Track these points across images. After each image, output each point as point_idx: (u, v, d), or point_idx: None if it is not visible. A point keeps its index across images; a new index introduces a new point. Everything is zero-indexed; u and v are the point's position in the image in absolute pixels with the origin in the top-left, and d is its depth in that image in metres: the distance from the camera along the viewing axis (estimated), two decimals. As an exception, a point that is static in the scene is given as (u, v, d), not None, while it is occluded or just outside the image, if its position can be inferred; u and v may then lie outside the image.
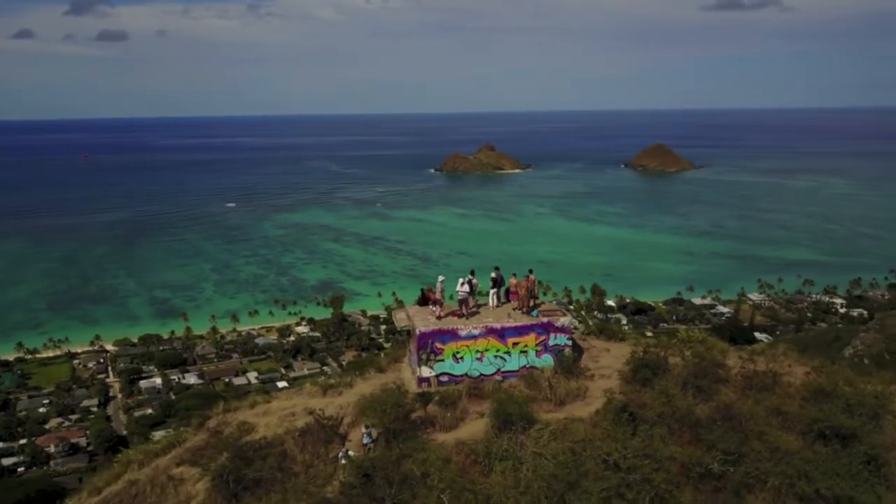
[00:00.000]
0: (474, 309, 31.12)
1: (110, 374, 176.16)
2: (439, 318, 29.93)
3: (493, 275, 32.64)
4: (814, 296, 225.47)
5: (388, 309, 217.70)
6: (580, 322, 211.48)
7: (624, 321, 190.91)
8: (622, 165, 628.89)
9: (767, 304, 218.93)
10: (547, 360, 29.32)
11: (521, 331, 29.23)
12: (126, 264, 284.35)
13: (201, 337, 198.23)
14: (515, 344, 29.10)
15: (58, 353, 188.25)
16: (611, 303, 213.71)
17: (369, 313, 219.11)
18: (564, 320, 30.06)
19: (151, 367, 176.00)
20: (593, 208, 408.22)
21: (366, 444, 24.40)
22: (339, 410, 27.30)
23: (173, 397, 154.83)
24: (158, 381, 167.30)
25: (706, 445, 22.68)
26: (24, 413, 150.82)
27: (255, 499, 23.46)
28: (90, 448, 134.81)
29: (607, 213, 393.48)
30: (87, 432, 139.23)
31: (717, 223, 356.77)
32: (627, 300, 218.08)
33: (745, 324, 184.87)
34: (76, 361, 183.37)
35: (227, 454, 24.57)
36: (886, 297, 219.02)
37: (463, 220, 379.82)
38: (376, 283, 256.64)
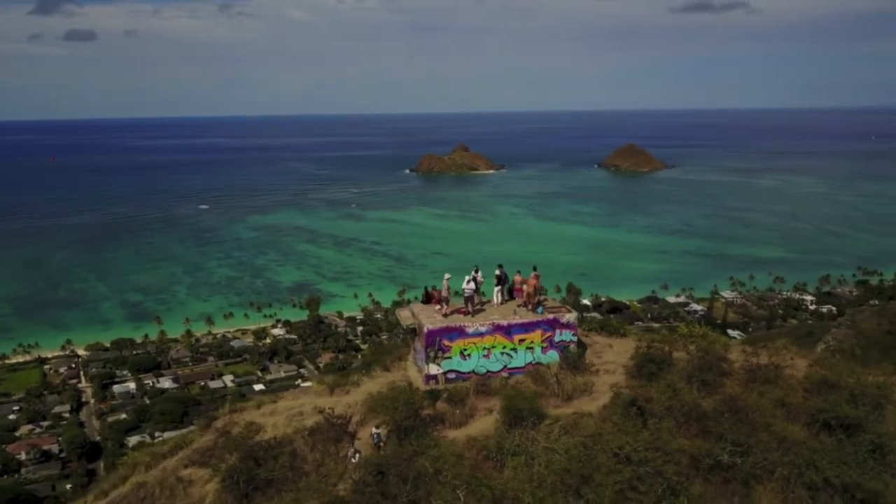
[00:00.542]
0: (479, 306, 31.05)
1: (82, 379, 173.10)
2: (445, 315, 29.98)
3: (497, 272, 32.62)
4: (784, 293, 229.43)
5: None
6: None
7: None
8: (595, 165, 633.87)
9: (739, 302, 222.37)
10: (553, 356, 29.57)
11: (527, 327, 29.46)
12: (96, 268, 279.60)
13: (175, 340, 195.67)
14: (522, 340, 29.31)
15: (27, 358, 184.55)
16: (586, 301, 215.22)
17: (346, 315, 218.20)
18: (570, 316, 30.33)
19: (125, 372, 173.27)
20: (567, 208, 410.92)
21: (375, 444, 24.30)
22: (347, 409, 27.17)
23: (147, 402, 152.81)
24: (132, 385, 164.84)
25: (714, 437, 23.08)
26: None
27: (267, 499, 23.38)
28: (63, 455, 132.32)
29: (581, 212, 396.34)
30: (60, 439, 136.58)
31: (688, 222, 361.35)
32: (603, 299, 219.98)
33: (718, 321, 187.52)
34: (47, 367, 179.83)
35: (237, 455, 24.31)
36: (854, 294, 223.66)
37: (438, 220, 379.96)
38: (352, 284, 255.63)
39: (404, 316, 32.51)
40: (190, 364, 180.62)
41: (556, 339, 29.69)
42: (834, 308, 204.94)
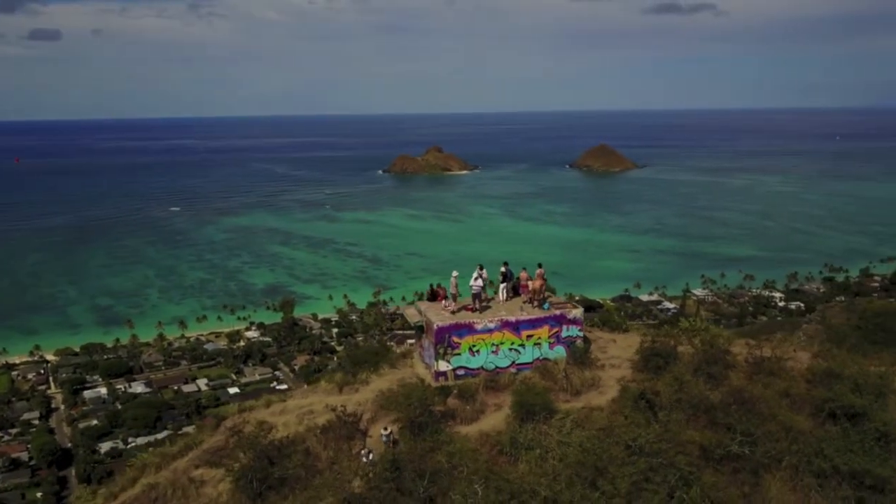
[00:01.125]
0: (486, 303, 31.37)
1: (52, 384, 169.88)
2: (453, 312, 30.17)
3: (502, 269, 32.88)
4: (754, 290, 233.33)
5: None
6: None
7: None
8: (567, 166, 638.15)
9: (711, 300, 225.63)
10: (559, 351, 29.92)
11: (534, 323, 29.74)
12: (65, 271, 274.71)
13: (148, 344, 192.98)
14: (529, 336, 29.59)
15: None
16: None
17: (320, 316, 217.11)
18: (576, 312, 30.71)
19: (96, 377, 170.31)
20: (540, 208, 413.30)
21: (386, 444, 24.40)
22: (357, 407, 27.22)
23: (120, 407, 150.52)
24: (103, 390, 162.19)
25: (723, 428, 23.62)
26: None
27: (281, 497, 23.32)
28: (33, 462, 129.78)
29: (554, 212, 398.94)
30: (29, 446, 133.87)
31: (660, 221, 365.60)
32: (577, 298, 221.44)
33: (691, 319, 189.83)
34: (14, 373, 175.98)
35: (250, 454, 24.23)
36: (822, 290, 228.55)
37: (413, 221, 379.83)
38: (327, 286, 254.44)
39: (411, 314, 32.65)
40: (163, 368, 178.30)
41: (563, 334, 30.08)
42: (802, 305, 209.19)
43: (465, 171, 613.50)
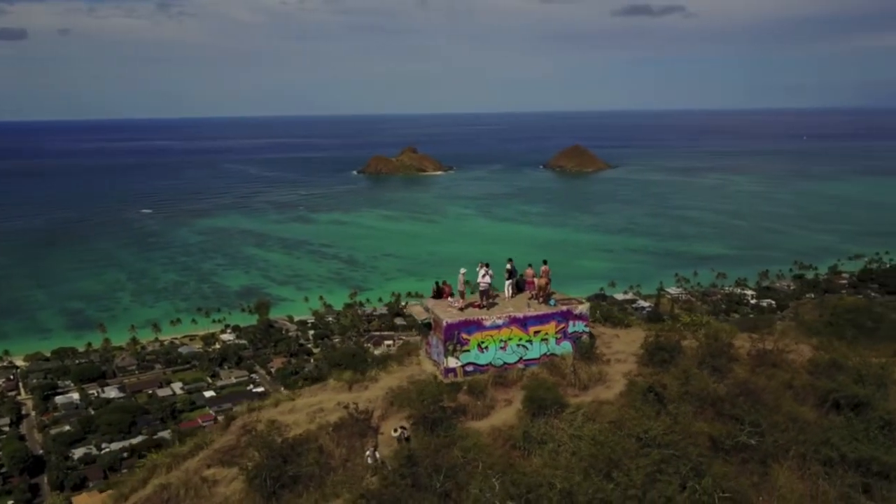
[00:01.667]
0: (492, 300, 31.68)
1: (21, 390, 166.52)
2: (461, 309, 30.34)
3: (508, 266, 33.05)
4: (727, 288, 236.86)
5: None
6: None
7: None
8: (541, 166, 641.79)
9: (685, 298, 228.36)
10: (566, 346, 30.22)
11: (542, 319, 30.00)
12: (34, 275, 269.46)
13: (120, 348, 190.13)
14: (537, 332, 29.85)
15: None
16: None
17: (296, 318, 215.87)
18: (582, 308, 31.07)
19: (67, 382, 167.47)
20: (515, 208, 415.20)
21: (399, 442, 24.51)
22: (367, 404, 27.23)
23: (93, 412, 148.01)
24: (76, 396, 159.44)
25: (729, 419, 24.15)
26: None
27: (295, 496, 23.25)
28: (3, 470, 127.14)
29: (529, 213, 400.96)
30: None
31: (633, 221, 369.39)
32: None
33: (665, 317, 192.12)
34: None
35: (263, 452, 24.13)
36: (792, 288, 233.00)
37: (388, 221, 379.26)
38: (302, 287, 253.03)
39: (418, 311, 32.70)
40: (136, 372, 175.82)
41: (570, 330, 30.40)
42: (773, 302, 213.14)
43: (439, 172, 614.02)
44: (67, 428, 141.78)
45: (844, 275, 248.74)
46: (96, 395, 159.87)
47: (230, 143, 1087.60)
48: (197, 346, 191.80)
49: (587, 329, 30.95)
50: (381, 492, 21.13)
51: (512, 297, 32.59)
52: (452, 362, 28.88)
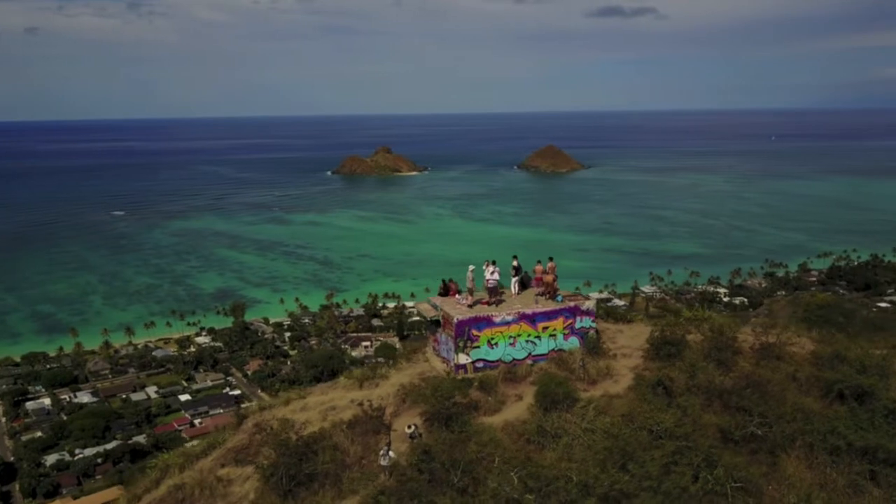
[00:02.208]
0: (500, 297, 31.95)
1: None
2: (470, 306, 30.57)
3: (514, 263, 33.27)
4: (700, 286, 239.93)
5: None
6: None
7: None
8: (516, 167, 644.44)
9: (659, 296, 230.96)
10: (573, 342, 30.61)
11: (550, 315, 30.34)
12: (3, 278, 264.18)
13: (93, 352, 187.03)
14: (545, 328, 30.21)
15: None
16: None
17: (272, 320, 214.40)
18: (589, 304, 31.47)
19: (39, 388, 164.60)
20: (491, 209, 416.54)
21: (412, 438, 24.59)
22: (379, 401, 27.28)
23: (65, 418, 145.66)
24: (47, 401, 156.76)
25: (735, 411, 24.69)
26: None
27: (311, 493, 23.23)
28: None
29: (504, 213, 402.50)
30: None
31: (607, 220, 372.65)
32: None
33: (640, 316, 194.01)
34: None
35: (278, 451, 24.05)
36: (763, 285, 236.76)
37: (363, 222, 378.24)
38: (277, 289, 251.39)
39: (426, 309, 32.69)
40: (110, 377, 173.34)
41: (577, 325, 30.76)
42: (746, 300, 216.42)
43: (414, 173, 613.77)
44: (39, 434, 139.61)
45: (814, 272, 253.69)
46: (68, 400, 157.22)
47: (203, 143, 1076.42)
48: (171, 350, 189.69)
49: (594, 324, 31.37)
50: (399, 488, 21.23)
51: (518, 293, 32.90)
52: (463, 359, 29.15)
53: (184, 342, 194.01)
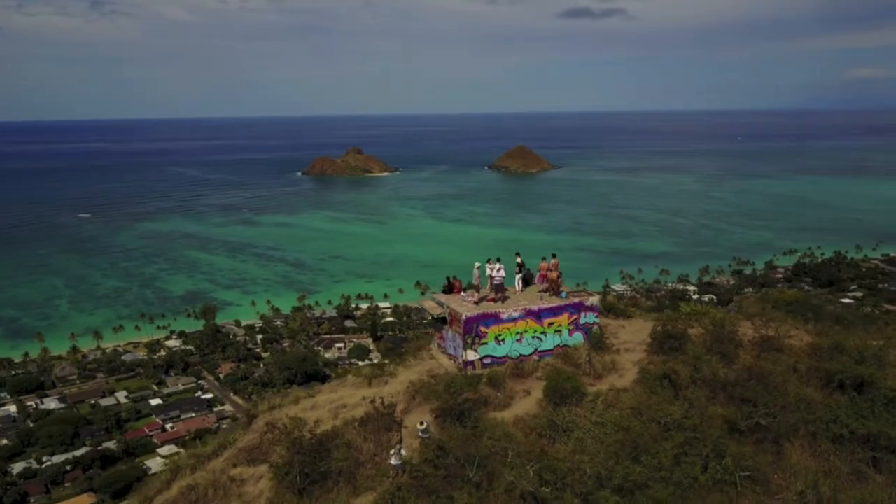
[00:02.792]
0: (505, 293, 32.15)
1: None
2: (476, 303, 30.74)
3: (517, 260, 33.58)
4: (670, 284, 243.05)
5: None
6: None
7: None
8: (486, 167, 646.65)
9: (630, 295, 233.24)
10: (578, 337, 30.97)
11: (555, 311, 30.64)
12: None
13: (60, 357, 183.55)
14: (551, 324, 30.53)
15: None
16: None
17: (244, 323, 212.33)
18: (593, 300, 31.81)
19: (4, 394, 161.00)
20: (463, 209, 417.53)
21: (422, 438, 24.54)
22: (389, 398, 27.22)
23: (32, 425, 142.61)
24: (12, 408, 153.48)
25: (739, 402, 25.27)
26: None
27: (325, 491, 23.20)
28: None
29: (476, 213, 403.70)
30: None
31: (578, 220, 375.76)
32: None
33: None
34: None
35: (292, 450, 23.84)
36: (732, 283, 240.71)
37: (335, 223, 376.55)
38: (248, 291, 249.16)
39: (431, 306, 32.66)
40: (77, 382, 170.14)
41: (581, 321, 31.15)
42: (714, 297, 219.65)
43: (386, 173, 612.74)
44: (5, 442, 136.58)
45: (780, 269, 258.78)
46: (35, 406, 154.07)
47: (170, 144, 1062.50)
48: (141, 354, 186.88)
49: (597, 320, 31.76)
50: (415, 484, 21.31)
51: (522, 290, 33.22)
52: (471, 355, 29.36)
53: (154, 346, 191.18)
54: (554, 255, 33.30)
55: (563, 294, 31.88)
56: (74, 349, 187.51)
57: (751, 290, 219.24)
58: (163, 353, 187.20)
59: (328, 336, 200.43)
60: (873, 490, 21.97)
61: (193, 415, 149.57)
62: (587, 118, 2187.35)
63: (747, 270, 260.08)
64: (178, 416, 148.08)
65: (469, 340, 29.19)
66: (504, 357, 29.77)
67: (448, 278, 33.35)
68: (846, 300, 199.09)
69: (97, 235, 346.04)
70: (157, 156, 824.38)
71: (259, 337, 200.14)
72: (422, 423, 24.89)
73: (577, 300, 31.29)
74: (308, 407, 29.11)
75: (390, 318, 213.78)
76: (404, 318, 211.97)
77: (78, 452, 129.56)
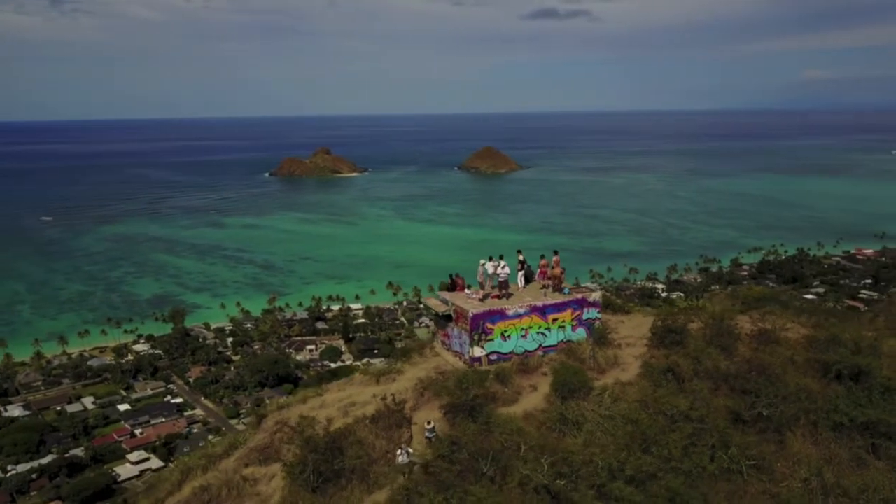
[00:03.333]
0: (508, 290, 32.34)
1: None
2: (481, 300, 30.93)
3: (519, 258, 33.83)
4: (639, 282, 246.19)
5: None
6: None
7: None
8: (456, 168, 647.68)
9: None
10: (581, 333, 31.40)
11: (559, 307, 31.05)
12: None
13: (23, 364, 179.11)
14: (555, 320, 30.90)
15: None
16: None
17: (214, 326, 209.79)
18: (596, 295, 32.31)
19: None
20: (433, 209, 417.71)
21: (428, 438, 24.50)
22: (399, 396, 27.31)
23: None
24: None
25: (742, 394, 25.91)
26: None
27: (339, 489, 23.17)
28: None
29: (446, 213, 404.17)
30: None
31: (547, 220, 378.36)
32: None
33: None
34: None
35: (306, 448, 23.78)
36: (699, 280, 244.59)
37: (304, 224, 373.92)
38: (217, 294, 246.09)
39: (435, 304, 32.81)
40: (42, 388, 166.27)
41: (584, 316, 31.58)
42: (682, 294, 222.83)
43: (354, 174, 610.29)
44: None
45: (745, 267, 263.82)
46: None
47: (134, 146, 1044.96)
48: (108, 359, 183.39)
49: (600, 315, 32.18)
50: (429, 480, 21.38)
51: (523, 287, 33.54)
52: (478, 352, 29.58)
53: (121, 350, 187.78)
54: (555, 252, 33.78)
55: (566, 290, 32.27)
56: (38, 355, 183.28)
57: (718, 287, 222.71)
58: (131, 357, 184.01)
59: (299, 338, 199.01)
60: (875, 476, 22.74)
61: (163, 420, 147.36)
62: (554, 119, 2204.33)
63: (714, 268, 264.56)
64: (148, 422, 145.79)
65: (476, 337, 29.44)
66: (510, 353, 30.13)
67: (451, 276, 33.72)
68: (809, 296, 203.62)
69: (60, 239, 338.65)
70: (120, 157, 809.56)
71: (229, 340, 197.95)
72: (429, 423, 25.04)
73: (579, 296, 31.79)
74: (317, 406, 29.12)
75: (362, 320, 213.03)
76: (376, 320, 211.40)
77: (44, 460, 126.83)
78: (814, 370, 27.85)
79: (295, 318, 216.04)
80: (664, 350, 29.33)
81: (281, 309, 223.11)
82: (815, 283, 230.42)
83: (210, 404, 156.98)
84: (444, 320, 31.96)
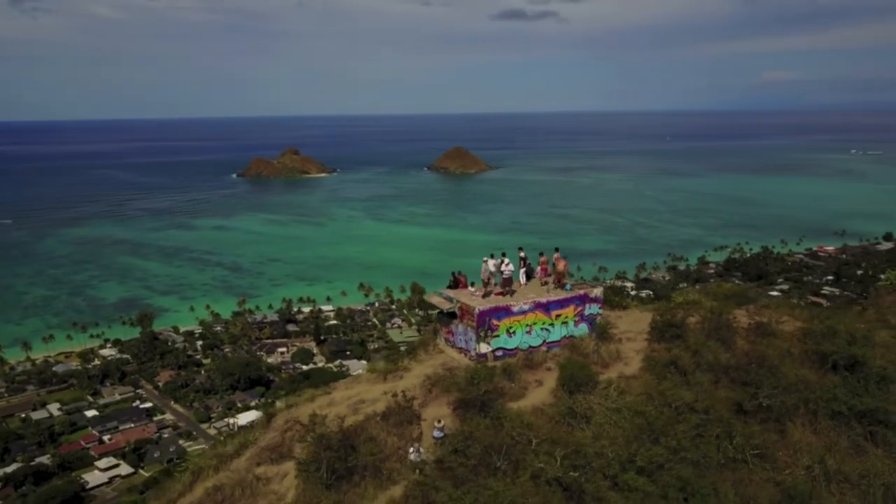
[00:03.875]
0: (511, 287, 32.63)
1: None
2: (484, 297, 31.21)
3: (521, 255, 34.15)
4: (608, 281, 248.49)
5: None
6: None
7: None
8: (425, 168, 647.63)
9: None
10: (583, 328, 31.84)
11: (563, 303, 31.46)
12: None
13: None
14: (558, 316, 31.32)
15: None
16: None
17: (183, 329, 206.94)
18: (597, 291, 32.72)
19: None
20: (403, 210, 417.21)
21: (437, 438, 24.57)
22: (407, 393, 27.41)
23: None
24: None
25: (742, 385, 26.63)
26: None
27: (352, 486, 23.23)
28: None
29: (417, 214, 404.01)
30: None
31: (516, 220, 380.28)
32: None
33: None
34: None
35: (319, 446, 23.80)
36: (667, 278, 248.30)
37: (272, 225, 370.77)
38: (186, 297, 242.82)
39: (439, 301, 32.82)
40: (6, 395, 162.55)
41: (586, 312, 32.04)
42: (651, 293, 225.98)
43: (323, 174, 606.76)
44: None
45: (712, 265, 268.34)
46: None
47: (97, 147, 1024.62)
48: (74, 364, 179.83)
49: (601, 311, 32.65)
50: (443, 475, 21.54)
51: (525, 284, 33.95)
52: (484, 348, 29.88)
53: (87, 355, 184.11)
54: (557, 249, 34.20)
55: (568, 286, 32.73)
56: (1, 361, 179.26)
57: (686, 284, 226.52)
58: (97, 362, 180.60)
59: (270, 340, 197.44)
60: (874, 462, 23.63)
61: (132, 425, 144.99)
62: (523, 119, 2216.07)
63: (681, 266, 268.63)
64: (117, 427, 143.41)
65: (482, 333, 29.79)
66: (515, 349, 30.54)
67: (453, 273, 33.96)
68: (774, 293, 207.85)
69: (21, 242, 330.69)
70: (83, 158, 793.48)
71: (199, 343, 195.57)
72: (439, 422, 25.17)
73: (581, 292, 32.22)
74: (325, 404, 29.11)
75: (334, 321, 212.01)
76: (348, 321, 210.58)
77: (9, 469, 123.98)
78: (810, 361, 28.75)
79: (265, 320, 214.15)
80: (665, 344, 30.02)
81: (251, 311, 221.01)
82: (780, 280, 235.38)
83: (180, 408, 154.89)
84: (447, 317, 32.20)
